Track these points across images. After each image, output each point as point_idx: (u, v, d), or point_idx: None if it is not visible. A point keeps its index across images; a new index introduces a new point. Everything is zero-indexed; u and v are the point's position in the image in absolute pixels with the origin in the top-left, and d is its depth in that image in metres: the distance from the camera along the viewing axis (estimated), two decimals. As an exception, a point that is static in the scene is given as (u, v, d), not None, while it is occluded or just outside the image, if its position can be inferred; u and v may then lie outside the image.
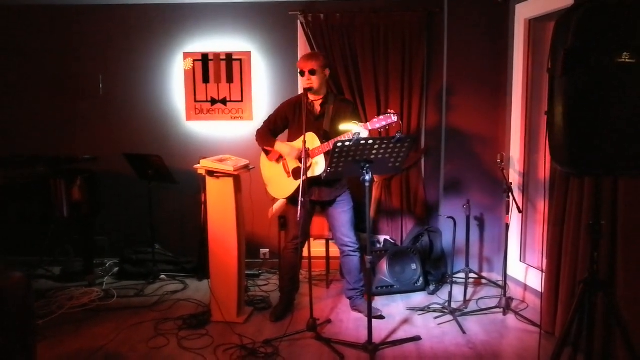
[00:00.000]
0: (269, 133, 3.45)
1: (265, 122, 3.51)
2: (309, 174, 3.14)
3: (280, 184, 3.40)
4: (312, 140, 3.18)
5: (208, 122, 4.49)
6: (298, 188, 3.05)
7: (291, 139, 3.41)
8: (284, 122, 3.44)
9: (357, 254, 3.46)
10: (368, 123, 3.08)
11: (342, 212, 3.40)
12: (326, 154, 3.12)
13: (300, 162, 3.06)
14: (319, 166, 3.19)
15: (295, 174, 3.31)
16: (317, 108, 3.35)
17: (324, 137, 3.22)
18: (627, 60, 1.67)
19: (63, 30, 4.47)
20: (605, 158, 1.76)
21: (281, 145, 3.37)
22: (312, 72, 3.20)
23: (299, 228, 3.27)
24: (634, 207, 2.47)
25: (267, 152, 3.48)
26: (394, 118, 3.01)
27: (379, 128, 3.05)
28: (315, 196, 3.35)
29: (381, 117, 3.05)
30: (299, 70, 3.26)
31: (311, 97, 3.30)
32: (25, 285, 2.21)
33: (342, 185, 3.41)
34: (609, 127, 1.73)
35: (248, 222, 3.70)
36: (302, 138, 3.04)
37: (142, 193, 4.17)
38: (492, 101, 4.06)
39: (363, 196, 2.91)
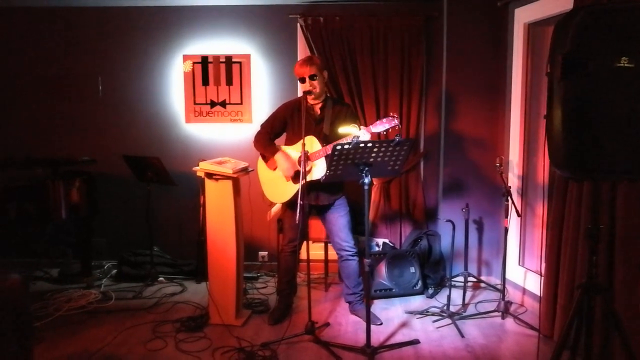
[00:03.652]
0: (268, 139, 3.38)
1: (263, 126, 3.45)
2: (308, 178, 3.12)
3: (278, 188, 3.38)
4: (312, 143, 3.16)
5: (207, 125, 4.49)
6: (297, 192, 3.03)
7: (289, 142, 3.39)
8: (282, 125, 3.39)
9: (355, 258, 3.44)
10: (370, 126, 3.07)
11: (339, 217, 3.39)
12: (326, 157, 3.11)
13: (299, 167, 3.05)
14: (318, 170, 3.18)
15: (295, 177, 3.29)
16: (317, 112, 3.33)
17: (324, 140, 3.21)
18: (625, 65, 1.67)
19: (62, 32, 4.48)
20: (604, 162, 1.76)
21: (280, 160, 3.28)
22: (312, 77, 3.19)
23: (296, 231, 3.26)
24: (632, 212, 2.47)
25: (265, 158, 3.44)
26: (396, 121, 3.01)
27: (382, 131, 3.04)
28: (313, 200, 3.33)
29: (384, 120, 3.04)
30: (298, 78, 3.24)
31: (311, 100, 3.27)
32: (22, 287, 2.20)
33: (339, 189, 3.40)
34: (608, 132, 1.73)
35: (246, 225, 3.69)
36: (301, 142, 3.03)
37: (141, 195, 4.17)
38: (491, 105, 4.06)
39: (362, 199, 2.91)
